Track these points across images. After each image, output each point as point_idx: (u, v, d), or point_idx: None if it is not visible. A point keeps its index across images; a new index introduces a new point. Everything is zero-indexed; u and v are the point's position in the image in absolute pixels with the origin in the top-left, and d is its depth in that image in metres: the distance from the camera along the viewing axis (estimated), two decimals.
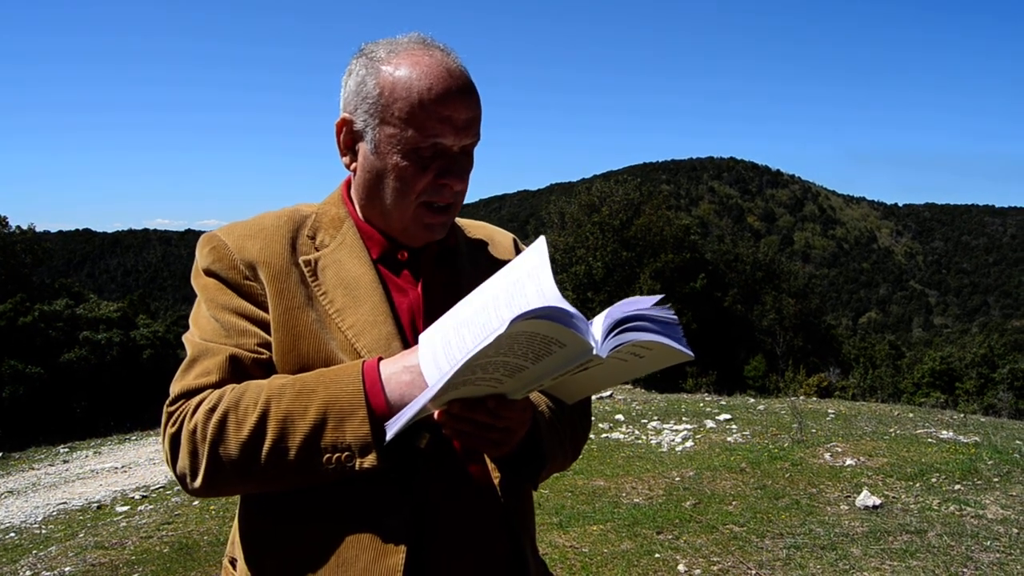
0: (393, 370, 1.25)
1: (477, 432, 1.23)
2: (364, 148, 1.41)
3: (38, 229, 39.64)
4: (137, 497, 8.79)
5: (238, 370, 1.32)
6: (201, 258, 1.43)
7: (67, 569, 6.02)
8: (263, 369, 1.34)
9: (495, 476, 1.43)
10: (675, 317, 1.14)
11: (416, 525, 1.32)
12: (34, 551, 6.73)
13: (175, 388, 1.33)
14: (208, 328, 1.37)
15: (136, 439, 14.07)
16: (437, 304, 1.41)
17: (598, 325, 1.12)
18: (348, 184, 1.53)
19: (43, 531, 7.60)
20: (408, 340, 1.39)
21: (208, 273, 1.41)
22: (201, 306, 1.41)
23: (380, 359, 1.29)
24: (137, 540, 6.74)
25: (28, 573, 6.07)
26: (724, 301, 45.44)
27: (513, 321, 1.00)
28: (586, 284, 41.13)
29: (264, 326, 1.36)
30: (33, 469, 11.36)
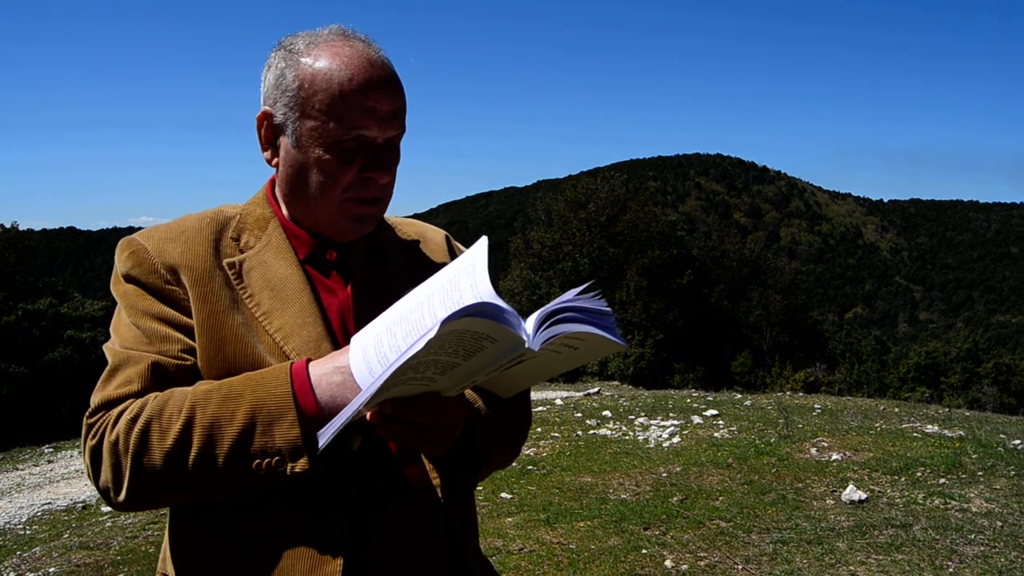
0: (323, 371, 1.22)
1: (412, 432, 1.20)
2: (285, 142, 1.37)
3: (21, 227, 39.21)
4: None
5: (161, 378, 1.28)
6: (120, 263, 1.38)
7: (52, 570, 5.98)
8: (188, 376, 1.29)
9: (433, 477, 1.39)
10: (608, 307, 1.13)
11: (353, 532, 1.29)
12: (18, 552, 6.68)
13: (95, 399, 1.28)
14: (129, 335, 1.32)
15: None
16: (367, 304, 1.39)
17: (531, 319, 1.11)
18: (273, 183, 1.49)
19: (27, 532, 7.54)
20: (339, 342, 1.35)
21: (128, 279, 1.36)
22: (121, 313, 1.36)
23: (309, 360, 1.25)
24: (123, 540, 6.70)
25: (12, 574, 6.02)
26: (711, 297, 45.66)
27: (444, 322, 0.99)
28: (573, 281, 41.11)
29: (188, 331, 1.32)
30: (17, 469, 11.26)
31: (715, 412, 11.94)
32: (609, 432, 10.75)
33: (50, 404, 26.24)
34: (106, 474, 1.23)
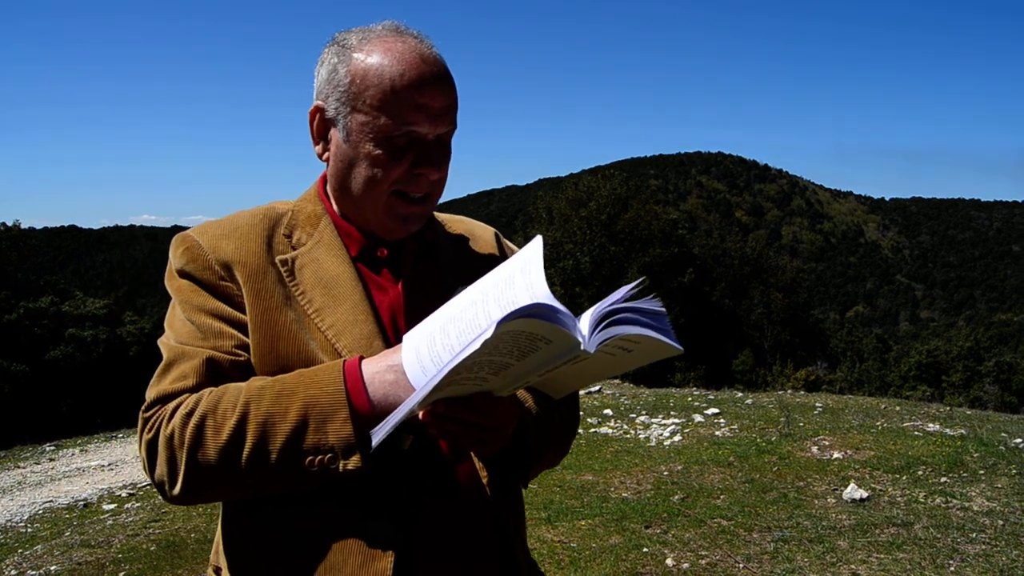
0: (376, 369, 1.22)
1: (464, 431, 1.20)
2: (336, 136, 1.38)
3: (23, 226, 39.29)
4: (124, 495, 8.74)
5: (215, 373, 1.29)
6: (175, 259, 1.39)
7: (53, 568, 5.98)
8: (241, 372, 1.31)
9: (483, 475, 1.40)
10: (663, 309, 1.12)
11: (404, 528, 1.29)
12: (20, 550, 6.68)
13: (151, 393, 1.29)
14: (183, 331, 1.33)
15: (123, 437, 13.98)
16: (418, 301, 1.39)
17: (585, 320, 1.10)
18: (324, 180, 1.49)
19: (29, 530, 7.55)
20: (389, 339, 1.35)
21: (182, 274, 1.38)
22: (176, 308, 1.37)
23: (361, 358, 1.25)
24: (124, 538, 6.71)
25: (14, 572, 6.03)
26: (712, 296, 45.60)
27: (500, 323, 0.98)
28: (574, 279, 41.13)
29: (241, 327, 1.33)
30: (19, 467, 11.27)
31: (716, 410, 11.92)
32: (610, 430, 10.74)
33: (51, 402, 26.28)
34: (161, 468, 1.24)
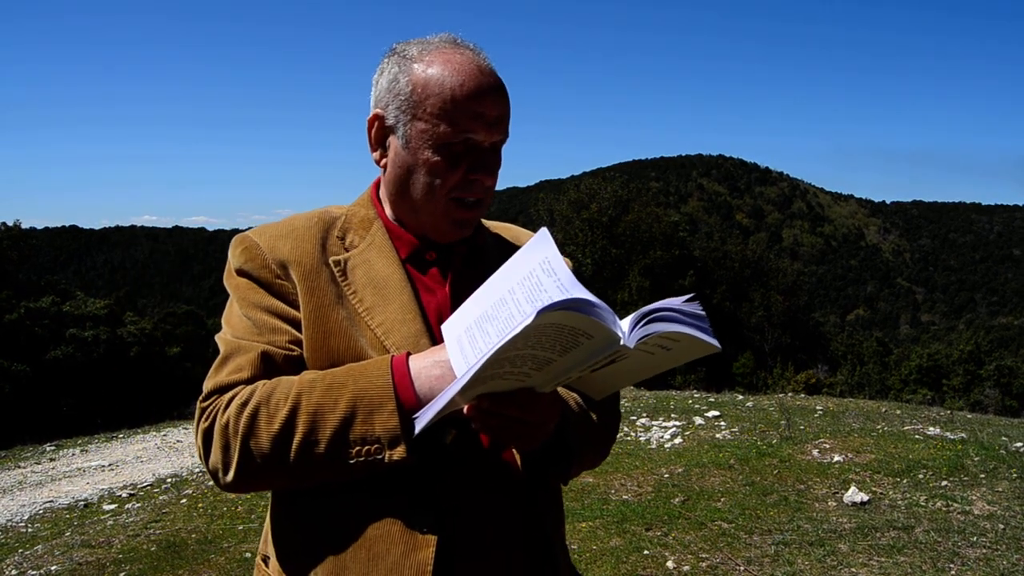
0: (423, 364, 1.28)
1: (506, 426, 1.24)
2: (395, 143, 1.43)
3: (24, 226, 39.35)
4: (124, 495, 8.74)
5: (270, 366, 1.35)
6: (234, 258, 1.46)
7: (53, 568, 5.98)
8: (294, 366, 1.36)
9: (524, 471, 1.44)
10: (703, 311, 1.16)
11: (445, 520, 1.34)
12: (20, 550, 6.69)
13: (208, 384, 1.36)
14: (240, 326, 1.40)
15: (123, 437, 13.98)
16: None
17: (627, 318, 1.13)
18: (377, 186, 1.56)
19: (29, 530, 7.55)
20: (436, 338, 1.40)
21: (240, 273, 1.44)
22: (234, 305, 1.44)
23: (409, 354, 1.31)
24: (124, 539, 6.71)
25: (14, 572, 6.03)
26: (713, 298, 45.60)
27: (540, 312, 1.00)
28: (584, 283, 41.17)
29: (295, 324, 1.39)
30: (19, 467, 11.27)
31: (717, 413, 11.92)
32: None
33: (52, 402, 26.30)
34: (216, 455, 1.30)
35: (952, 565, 4.93)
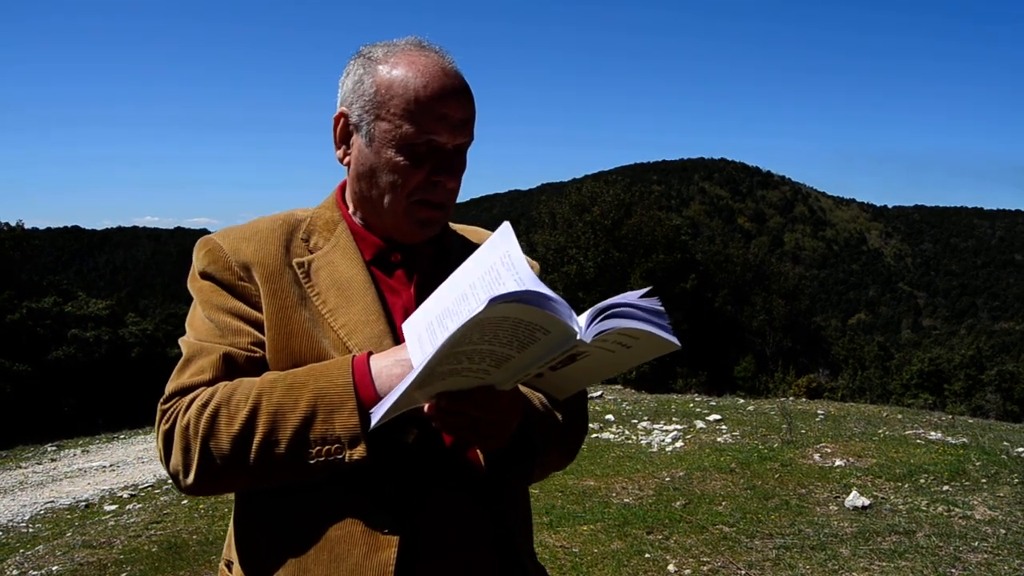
0: (384, 364, 1.27)
1: (466, 425, 1.23)
2: (359, 142, 1.44)
3: (26, 226, 39.41)
4: (125, 496, 8.75)
5: (232, 368, 1.34)
6: (197, 261, 1.46)
7: (55, 568, 5.99)
8: (257, 367, 1.36)
9: (486, 471, 1.43)
10: (661, 307, 1.14)
11: (407, 520, 1.33)
12: (21, 550, 6.69)
13: (169, 386, 1.35)
14: (203, 328, 1.39)
15: (124, 438, 14.00)
16: None
17: (584, 314, 1.12)
18: (342, 188, 1.56)
19: (30, 530, 7.56)
20: (400, 339, 1.39)
21: (204, 275, 1.44)
22: (197, 308, 1.44)
23: (370, 353, 1.30)
24: (125, 539, 6.71)
25: (15, 572, 6.03)
26: (714, 302, 45.54)
27: (492, 301, 0.99)
28: (577, 284, 41.10)
29: (258, 325, 1.39)
30: (20, 468, 11.28)
31: (718, 417, 11.92)
32: (612, 436, 10.74)
33: (53, 402, 26.28)
34: (176, 457, 1.29)
35: (953, 570, 4.93)
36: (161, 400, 1.34)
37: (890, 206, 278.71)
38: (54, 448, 13.19)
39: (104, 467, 10.76)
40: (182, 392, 1.33)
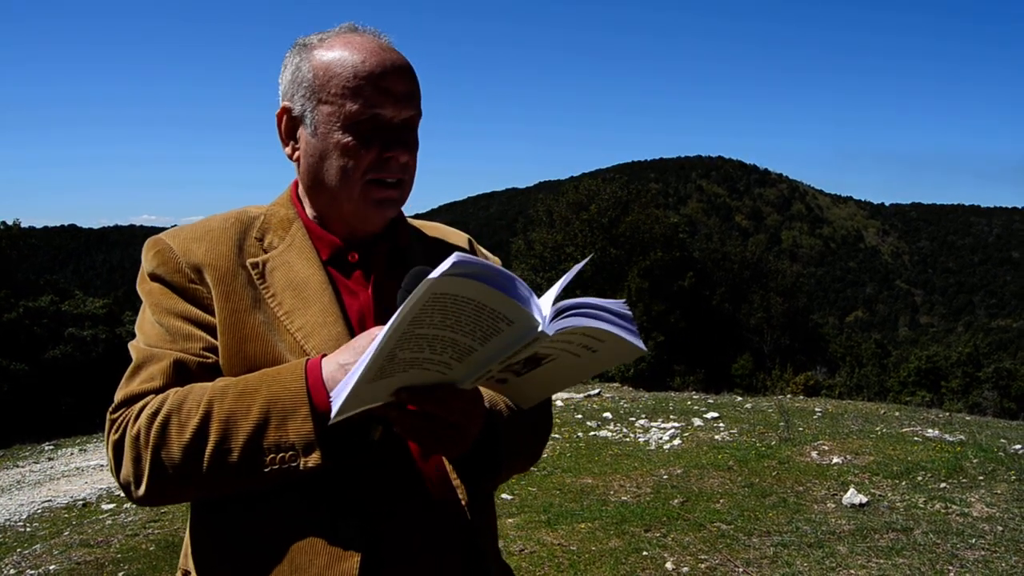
0: (337, 361, 1.22)
1: (428, 426, 1.19)
2: (304, 133, 1.39)
3: (23, 225, 39.30)
4: (123, 495, 8.72)
5: (183, 375, 1.29)
6: (146, 262, 1.40)
7: (52, 567, 5.98)
8: (209, 373, 1.31)
9: (452, 477, 1.40)
10: (629, 311, 1.12)
11: (370, 529, 1.29)
12: (19, 549, 6.68)
13: (118, 395, 1.30)
14: (153, 333, 1.34)
15: None
16: (388, 305, 1.38)
17: (547, 304, 1.08)
18: (296, 185, 1.50)
19: (28, 529, 7.55)
20: None
21: (153, 277, 1.38)
22: (146, 312, 1.38)
23: (323, 356, 1.25)
24: (123, 538, 6.70)
25: (12, 571, 6.02)
26: (712, 299, 45.57)
27: (457, 261, 0.94)
28: (574, 282, 41.01)
29: (210, 330, 1.33)
30: (17, 467, 11.27)
31: (716, 414, 11.93)
32: (610, 434, 10.74)
33: (51, 401, 26.23)
34: (127, 468, 1.24)
35: (951, 567, 4.94)
36: (110, 409, 1.29)
37: (887, 204, 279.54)
38: (51, 447, 13.18)
39: (101, 466, 10.74)
40: (131, 400, 1.28)
